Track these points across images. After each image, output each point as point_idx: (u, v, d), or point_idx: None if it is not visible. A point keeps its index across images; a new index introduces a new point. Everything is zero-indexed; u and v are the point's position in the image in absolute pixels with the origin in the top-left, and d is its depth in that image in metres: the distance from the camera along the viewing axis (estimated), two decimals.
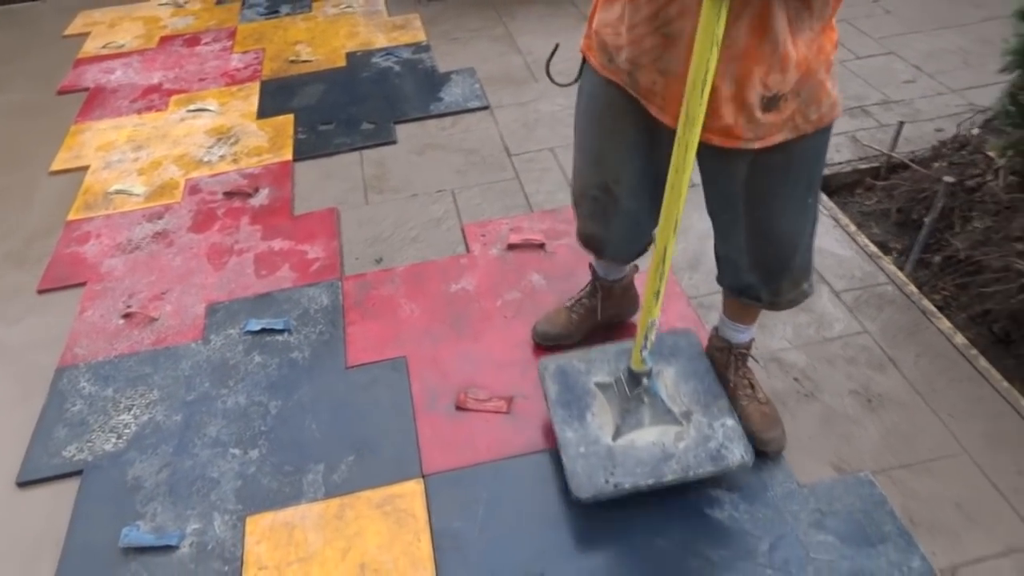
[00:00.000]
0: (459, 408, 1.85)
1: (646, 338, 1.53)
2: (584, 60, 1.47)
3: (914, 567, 1.47)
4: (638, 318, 1.68)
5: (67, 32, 3.93)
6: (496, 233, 2.38)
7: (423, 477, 1.71)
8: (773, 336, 1.98)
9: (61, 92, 3.39)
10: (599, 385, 1.70)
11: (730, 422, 1.61)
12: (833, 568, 1.48)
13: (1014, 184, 2.11)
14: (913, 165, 2.43)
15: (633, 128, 1.42)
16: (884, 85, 3.02)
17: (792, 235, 1.48)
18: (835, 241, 2.26)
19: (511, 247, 2.31)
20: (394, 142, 2.87)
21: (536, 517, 1.62)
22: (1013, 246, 1.99)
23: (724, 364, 1.76)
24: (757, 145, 1.30)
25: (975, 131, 2.37)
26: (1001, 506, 1.59)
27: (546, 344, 1.96)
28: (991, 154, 2.22)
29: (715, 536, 1.55)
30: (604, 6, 1.36)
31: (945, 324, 1.98)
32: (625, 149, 1.48)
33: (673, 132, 1.24)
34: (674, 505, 1.60)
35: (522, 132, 2.88)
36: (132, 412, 1.92)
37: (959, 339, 1.94)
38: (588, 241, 1.75)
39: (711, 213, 1.55)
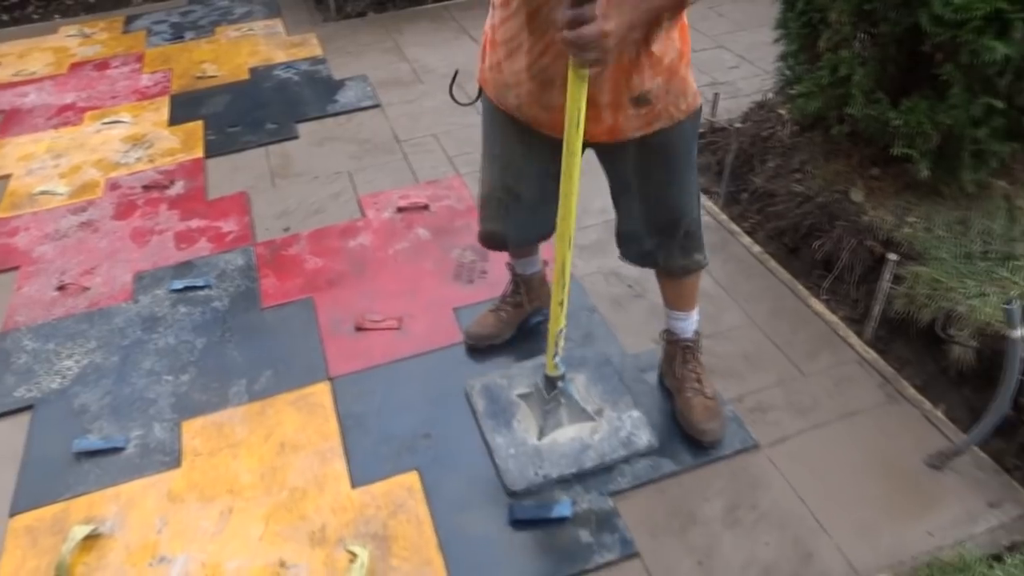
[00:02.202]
0: (358, 329, 2.23)
1: (556, 345, 1.74)
2: (480, 88, 1.68)
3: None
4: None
5: None
6: (387, 201, 2.79)
7: (330, 380, 2.08)
8: (613, 257, 2.44)
9: None
10: (521, 396, 1.94)
11: (636, 414, 1.88)
12: (651, 402, 1.94)
13: (796, 131, 2.66)
14: (732, 128, 2.97)
15: (529, 137, 1.62)
16: (713, 71, 3.60)
17: (680, 203, 1.70)
18: None
19: (400, 210, 2.72)
20: (296, 137, 3.25)
21: (422, 399, 2.00)
22: (793, 175, 2.52)
23: (672, 356, 1.93)
24: (639, 135, 1.54)
25: (770, 96, 2.93)
26: (776, 355, 2.08)
27: (479, 345, 2.12)
28: (781, 111, 2.77)
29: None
30: (490, 52, 1.56)
31: (746, 240, 2.49)
32: (523, 156, 1.69)
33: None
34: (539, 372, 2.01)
35: (409, 123, 3.31)
36: (74, 359, 2.21)
37: (756, 249, 2.45)
38: (489, 238, 1.89)
39: (614, 198, 1.76)
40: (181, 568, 1.66)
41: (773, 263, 2.39)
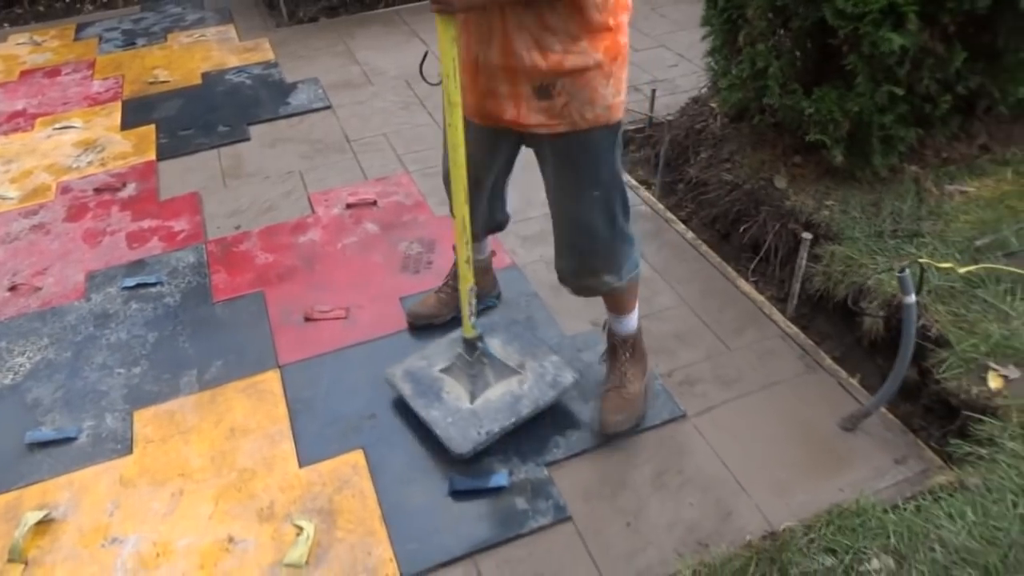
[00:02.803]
0: (307, 319, 2.31)
1: (470, 304, 1.81)
2: None
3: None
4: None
5: None
6: (337, 198, 2.87)
7: (279, 367, 2.16)
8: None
9: None
10: (443, 371, 1.98)
11: (555, 358, 1.98)
12: (594, 377, 2.04)
13: (725, 123, 2.80)
14: (665, 121, 3.11)
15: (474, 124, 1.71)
16: (654, 69, 3.74)
17: (585, 219, 1.70)
18: None
19: (349, 206, 2.80)
20: (248, 139, 3.32)
21: (368, 383, 2.08)
22: (723, 165, 2.66)
23: (609, 348, 1.98)
24: (543, 131, 1.59)
25: (704, 91, 3.07)
26: (705, 332, 2.20)
27: (418, 324, 2.21)
28: (712, 104, 2.91)
29: None
30: None
31: (680, 227, 2.61)
32: (470, 139, 1.71)
33: (504, 128, 1.64)
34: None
35: (359, 124, 3.40)
36: (26, 355, 2.26)
37: (689, 235, 2.58)
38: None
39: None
40: (132, 547, 1.72)
41: (705, 248, 2.52)
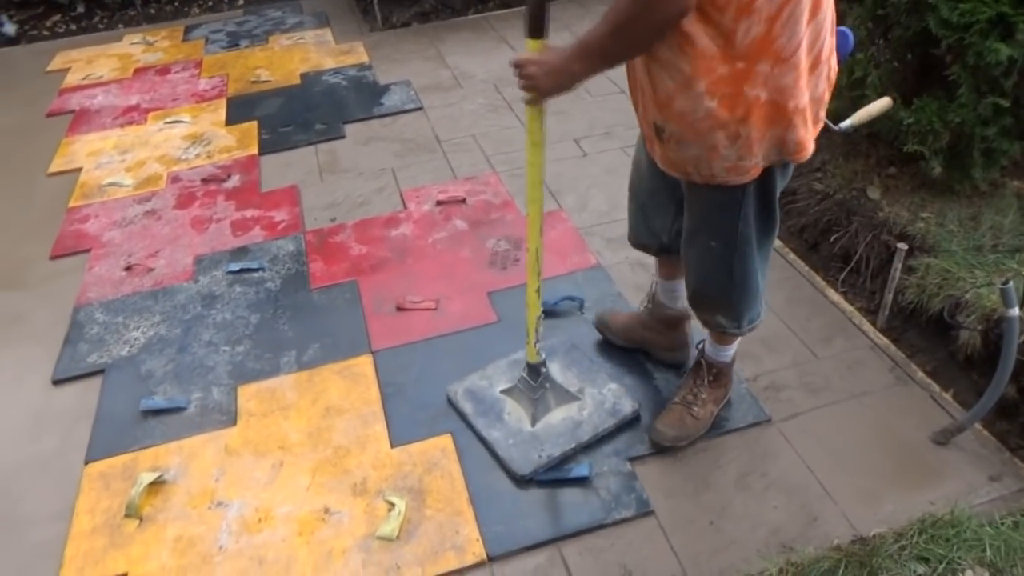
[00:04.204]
0: (399, 309, 2.40)
1: (536, 332, 1.84)
2: None
3: None
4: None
5: (49, 68, 4.45)
6: (427, 195, 2.97)
7: (372, 353, 2.25)
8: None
9: (50, 115, 3.90)
10: (504, 391, 2.02)
11: (613, 386, 2.00)
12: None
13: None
14: None
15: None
16: None
17: (698, 267, 1.67)
18: None
19: (439, 203, 2.90)
20: (343, 137, 3.46)
21: (456, 372, 2.15)
22: (814, 174, 2.64)
23: (695, 369, 1.93)
24: (662, 168, 1.54)
25: None
26: (791, 339, 2.20)
27: (599, 331, 2.20)
28: None
29: None
30: None
31: None
32: (639, 156, 1.78)
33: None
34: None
35: (449, 125, 3.50)
36: (140, 330, 2.42)
37: (776, 243, 2.56)
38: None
39: None
40: (236, 511, 1.83)
41: (792, 256, 2.51)
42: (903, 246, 2.09)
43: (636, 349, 2.16)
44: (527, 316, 1.83)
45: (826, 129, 1.55)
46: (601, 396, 1.99)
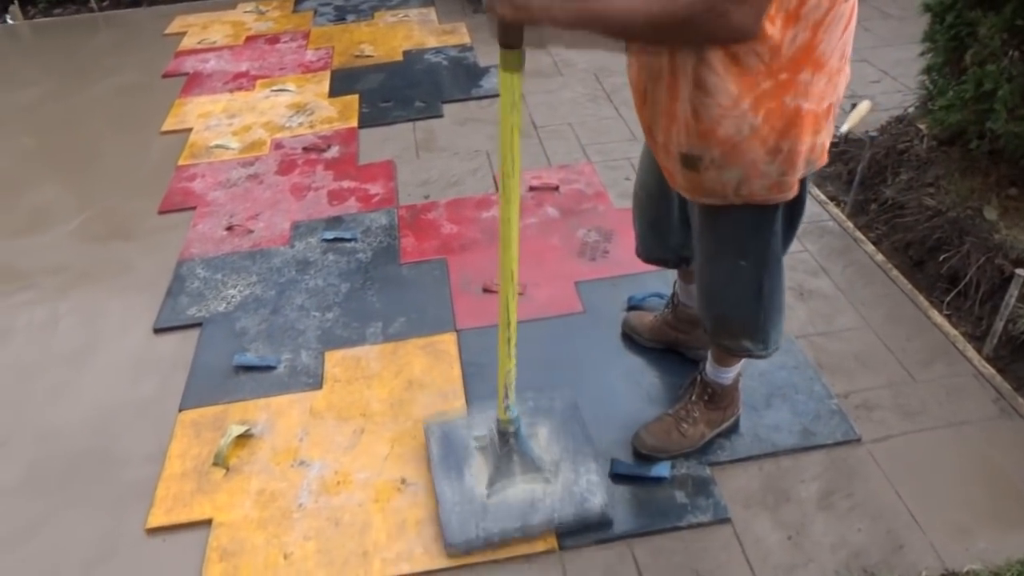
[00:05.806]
0: (485, 290, 2.42)
1: (506, 387, 1.64)
2: None
3: (815, 390, 2.00)
4: None
5: (167, 31, 4.66)
6: (521, 180, 2.96)
7: (456, 331, 2.28)
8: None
9: (166, 76, 4.09)
10: (478, 439, 1.84)
11: (594, 476, 1.77)
12: (766, 386, 2.01)
13: (933, 146, 2.64)
14: (867, 138, 2.98)
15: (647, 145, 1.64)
16: (855, 84, 3.57)
17: (718, 291, 1.60)
18: None
19: (532, 189, 2.90)
20: (441, 116, 3.49)
21: (539, 359, 2.14)
22: (926, 189, 2.52)
23: (690, 386, 1.89)
24: (689, 197, 1.46)
25: (911, 111, 2.91)
26: (888, 358, 2.11)
27: (627, 334, 2.19)
28: (920, 125, 2.76)
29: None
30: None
31: (869, 247, 2.51)
32: (645, 160, 1.75)
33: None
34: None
35: (547, 111, 3.49)
36: (237, 288, 2.51)
37: (879, 257, 2.46)
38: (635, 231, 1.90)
39: None
40: (317, 472, 1.89)
41: (895, 272, 2.40)
42: (1022, 272, 1.97)
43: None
44: (499, 370, 1.60)
45: None
46: (574, 480, 1.76)
